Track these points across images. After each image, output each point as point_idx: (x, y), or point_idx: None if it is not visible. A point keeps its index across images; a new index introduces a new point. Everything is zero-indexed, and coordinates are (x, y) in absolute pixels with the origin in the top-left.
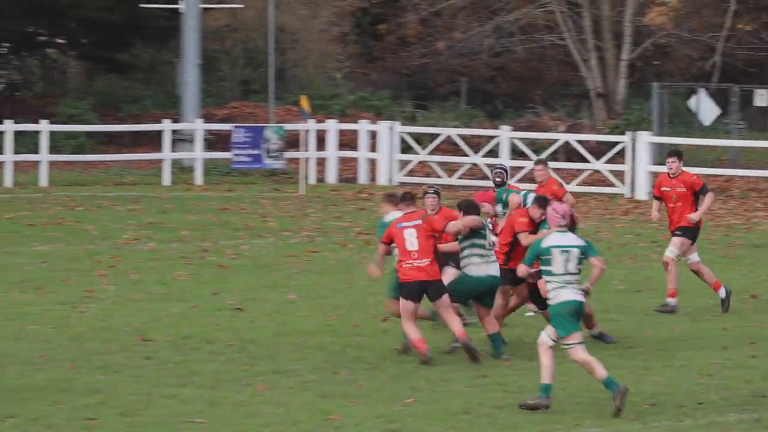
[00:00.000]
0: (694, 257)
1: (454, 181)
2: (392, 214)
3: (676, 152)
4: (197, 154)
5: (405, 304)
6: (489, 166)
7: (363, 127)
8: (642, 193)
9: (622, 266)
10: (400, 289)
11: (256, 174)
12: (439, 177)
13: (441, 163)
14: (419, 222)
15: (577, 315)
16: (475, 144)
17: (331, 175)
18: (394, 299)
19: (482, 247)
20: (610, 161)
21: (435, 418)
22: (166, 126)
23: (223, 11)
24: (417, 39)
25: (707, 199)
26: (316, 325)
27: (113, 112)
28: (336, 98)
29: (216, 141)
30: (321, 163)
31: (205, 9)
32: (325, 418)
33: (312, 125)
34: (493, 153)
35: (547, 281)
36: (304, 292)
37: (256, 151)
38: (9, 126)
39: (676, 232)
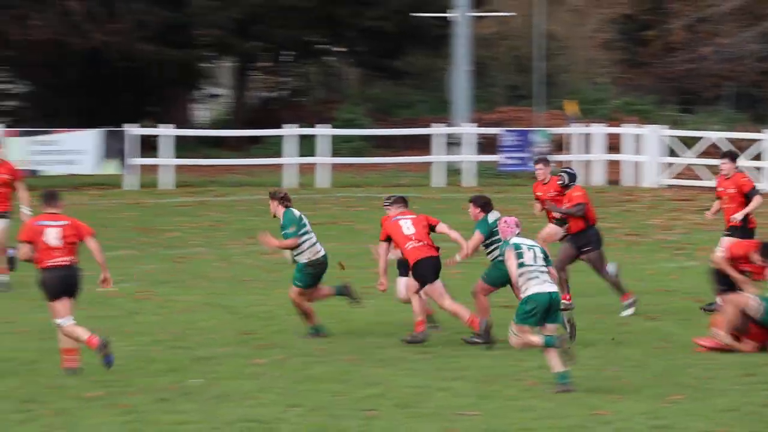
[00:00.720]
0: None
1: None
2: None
3: (729, 153)
4: (466, 157)
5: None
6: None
7: (628, 130)
8: None
9: None
10: (413, 269)
11: (524, 176)
12: (701, 180)
13: (707, 167)
14: (414, 216)
15: (549, 308)
16: (743, 148)
17: (597, 178)
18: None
19: (498, 241)
20: None
21: (702, 415)
22: (437, 130)
23: (493, 19)
24: (682, 45)
25: (754, 201)
26: (583, 322)
27: (387, 117)
28: (601, 103)
29: (486, 144)
30: (587, 165)
31: (476, 17)
32: (592, 413)
33: (577, 129)
34: (758, 157)
35: (522, 273)
36: (571, 290)
37: (523, 154)
38: (292, 130)
39: (725, 232)
